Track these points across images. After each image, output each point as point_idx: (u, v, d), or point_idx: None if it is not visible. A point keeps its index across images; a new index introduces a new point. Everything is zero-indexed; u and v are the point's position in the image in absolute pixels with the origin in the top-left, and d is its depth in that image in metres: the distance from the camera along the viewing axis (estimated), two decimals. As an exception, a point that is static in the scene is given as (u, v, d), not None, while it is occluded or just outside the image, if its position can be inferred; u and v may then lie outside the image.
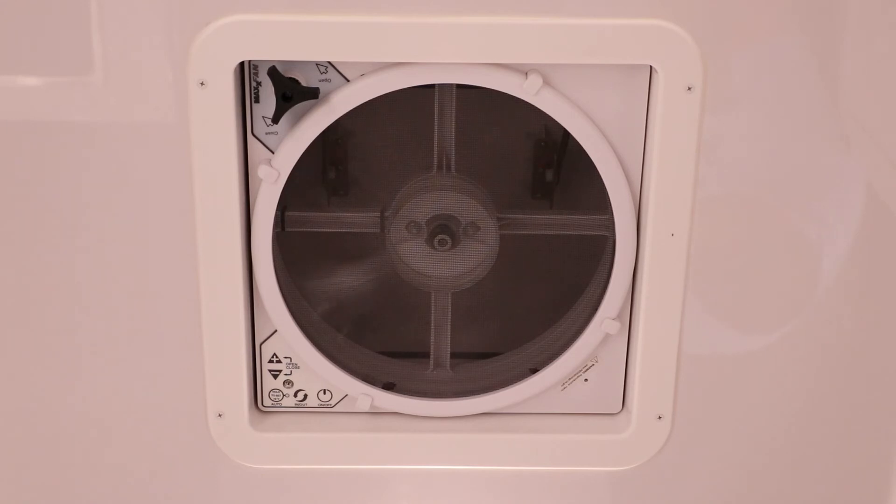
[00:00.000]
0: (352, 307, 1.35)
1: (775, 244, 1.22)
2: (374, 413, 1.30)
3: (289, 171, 1.17)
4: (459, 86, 1.21)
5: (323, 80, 1.16)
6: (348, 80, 1.16)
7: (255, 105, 1.17)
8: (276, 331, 1.26)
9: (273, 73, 1.14)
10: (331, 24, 1.10)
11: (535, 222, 1.28)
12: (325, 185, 1.29)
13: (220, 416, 1.27)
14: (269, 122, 1.17)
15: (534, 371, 1.29)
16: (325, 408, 1.31)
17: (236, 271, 1.20)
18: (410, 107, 1.23)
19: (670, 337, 1.24)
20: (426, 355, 1.32)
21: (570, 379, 1.29)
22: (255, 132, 1.18)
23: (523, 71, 1.15)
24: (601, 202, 1.22)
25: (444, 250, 1.25)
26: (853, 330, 1.27)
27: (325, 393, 1.30)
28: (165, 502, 1.33)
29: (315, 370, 1.27)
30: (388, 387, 1.30)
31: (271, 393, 1.30)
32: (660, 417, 1.28)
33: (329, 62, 1.15)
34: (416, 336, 1.33)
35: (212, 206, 1.17)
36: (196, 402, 1.26)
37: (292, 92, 1.14)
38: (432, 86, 1.21)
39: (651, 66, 1.14)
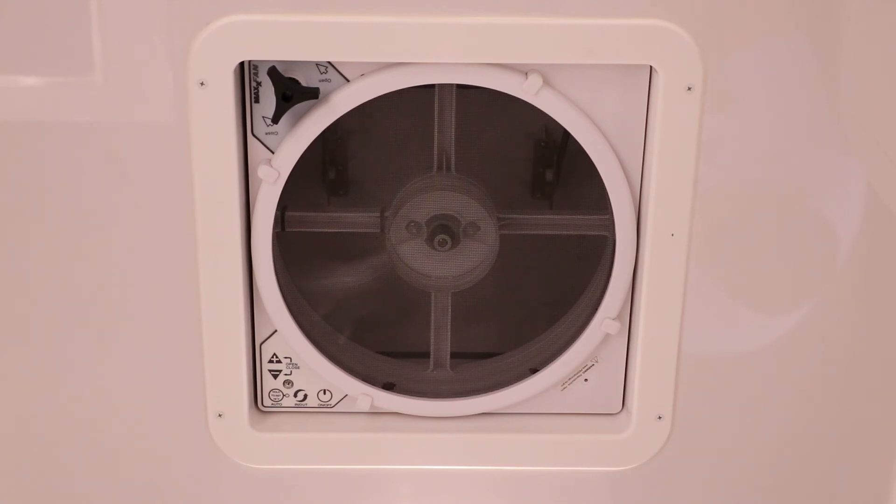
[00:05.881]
0: (352, 307, 1.35)
1: (775, 244, 1.22)
2: (374, 413, 1.30)
3: (289, 171, 1.17)
4: (459, 86, 1.21)
5: (323, 80, 1.16)
6: (348, 80, 1.16)
7: (255, 105, 1.17)
8: (276, 331, 1.26)
9: (273, 73, 1.14)
10: (331, 24, 1.10)
11: (535, 222, 1.28)
12: (325, 185, 1.29)
13: (220, 416, 1.27)
14: (269, 122, 1.17)
15: (534, 371, 1.29)
16: (325, 408, 1.31)
17: (236, 271, 1.20)
18: (410, 107, 1.23)
19: (670, 337, 1.24)
20: (426, 355, 1.32)
21: (570, 379, 1.29)
22: (255, 132, 1.18)
23: (523, 71, 1.15)
24: (601, 202, 1.22)
25: (444, 250, 1.25)
26: (853, 330, 1.27)
27: (325, 393, 1.30)
28: (165, 502, 1.33)
29: (315, 370, 1.27)
30: (388, 387, 1.30)
31: (271, 393, 1.30)
32: (660, 417, 1.28)
33: (329, 62, 1.15)
34: (416, 336, 1.33)
35: (212, 206, 1.17)
36: (196, 402, 1.26)
37: (292, 92, 1.14)
38: (432, 86, 1.21)
39: (651, 66, 1.14)
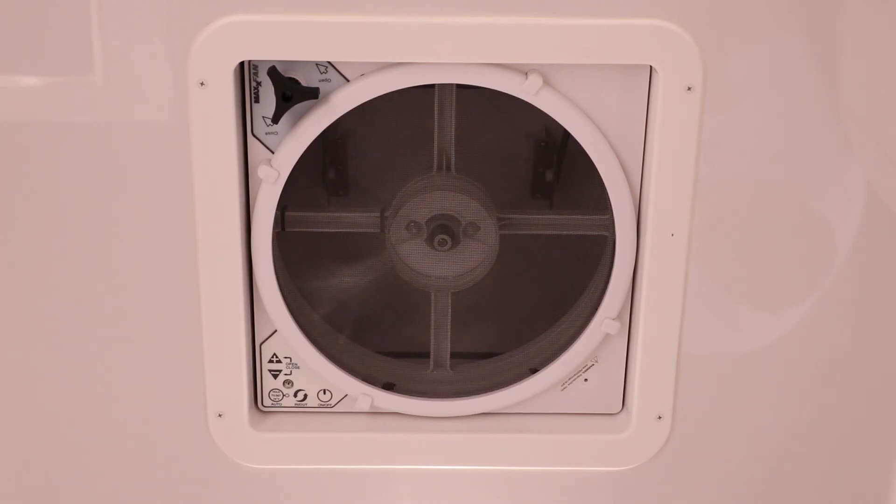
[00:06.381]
0: (352, 307, 1.35)
1: (775, 244, 1.22)
2: (374, 413, 1.30)
3: (289, 171, 1.17)
4: (459, 86, 1.21)
5: (323, 80, 1.16)
6: (348, 80, 1.16)
7: (255, 105, 1.17)
8: (276, 331, 1.26)
9: (273, 73, 1.14)
10: (331, 24, 1.10)
11: (535, 222, 1.28)
12: (325, 185, 1.29)
13: (220, 416, 1.27)
14: (269, 122, 1.17)
15: (534, 371, 1.29)
16: (325, 408, 1.31)
17: (236, 271, 1.20)
18: (410, 107, 1.23)
19: (670, 337, 1.24)
20: (426, 355, 1.32)
21: (570, 379, 1.29)
22: (255, 132, 1.18)
23: (523, 71, 1.15)
24: (601, 202, 1.22)
25: (444, 250, 1.25)
26: (853, 331, 1.27)
27: (325, 393, 1.30)
28: (165, 502, 1.33)
29: (315, 370, 1.27)
30: (388, 387, 1.30)
31: (271, 393, 1.30)
32: (660, 417, 1.28)
33: (329, 62, 1.15)
34: (416, 336, 1.33)
35: (212, 206, 1.17)
36: (196, 402, 1.26)
37: (292, 92, 1.14)
38: (432, 86, 1.21)
39: (651, 66, 1.14)
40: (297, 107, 1.15)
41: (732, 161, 1.18)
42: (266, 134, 1.18)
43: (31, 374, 1.26)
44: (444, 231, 1.24)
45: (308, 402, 1.30)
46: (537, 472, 1.32)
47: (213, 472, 1.30)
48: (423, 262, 1.27)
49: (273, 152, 1.18)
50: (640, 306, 1.23)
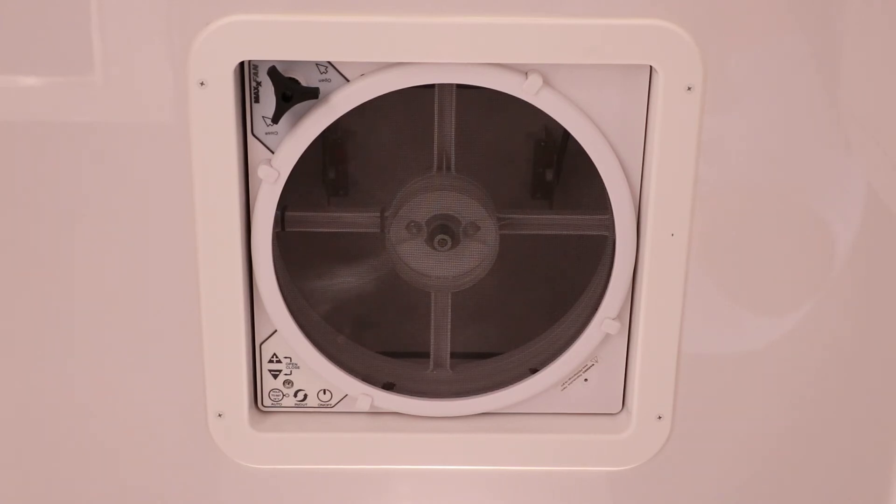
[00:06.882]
0: (352, 307, 1.35)
1: (775, 244, 1.22)
2: (374, 413, 1.30)
3: (289, 171, 1.17)
4: (459, 86, 1.21)
5: (323, 80, 1.16)
6: (348, 80, 1.16)
7: (255, 105, 1.17)
8: (276, 331, 1.26)
9: (273, 73, 1.14)
10: (331, 24, 1.10)
11: (535, 222, 1.28)
12: (325, 185, 1.29)
13: (220, 416, 1.27)
14: (269, 122, 1.17)
15: (534, 371, 1.29)
16: (325, 408, 1.31)
17: (236, 271, 1.20)
18: (410, 107, 1.23)
19: (670, 337, 1.24)
20: (426, 355, 1.32)
21: (570, 379, 1.29)
22: (255, 132, 1.18)
23: (523, 71, 1.15)
24: (601, 202, 1.22)
25: (444, 250, 1.25)
26: (853, 330, 1.27)
27: (325, 393, 1.30)
28: (165, 502, 1.33)
29: (315, 370, 1.27)
30: (388, 387, 1.30)
31: (271, 393, 1.30)
32: (660, 417, 1.28)
33: (329, 62, 1.15)
34: (416, 336, 1.33)
35: (212, 206, 1.17)
36: (196, 402, 1.26)
37: (292, 92, 1.14)
38: (432, 86, 1.21)
39: (651, 66, 1.14)
40: (297, 107, 1.15)
41: (732, 161, 1.18)
42: (266, 134, 1.18)
43: (31, 374, 1.26)
44: (444, 231, 1.24)
45: (308, 402, 1.30)
46: (537, 472, 1.32)
47: (213, 472, 1.30)
48: (423, 262, 1.27)
49: (273, 152, 1.18)
50: (640, 306, 1.23)
